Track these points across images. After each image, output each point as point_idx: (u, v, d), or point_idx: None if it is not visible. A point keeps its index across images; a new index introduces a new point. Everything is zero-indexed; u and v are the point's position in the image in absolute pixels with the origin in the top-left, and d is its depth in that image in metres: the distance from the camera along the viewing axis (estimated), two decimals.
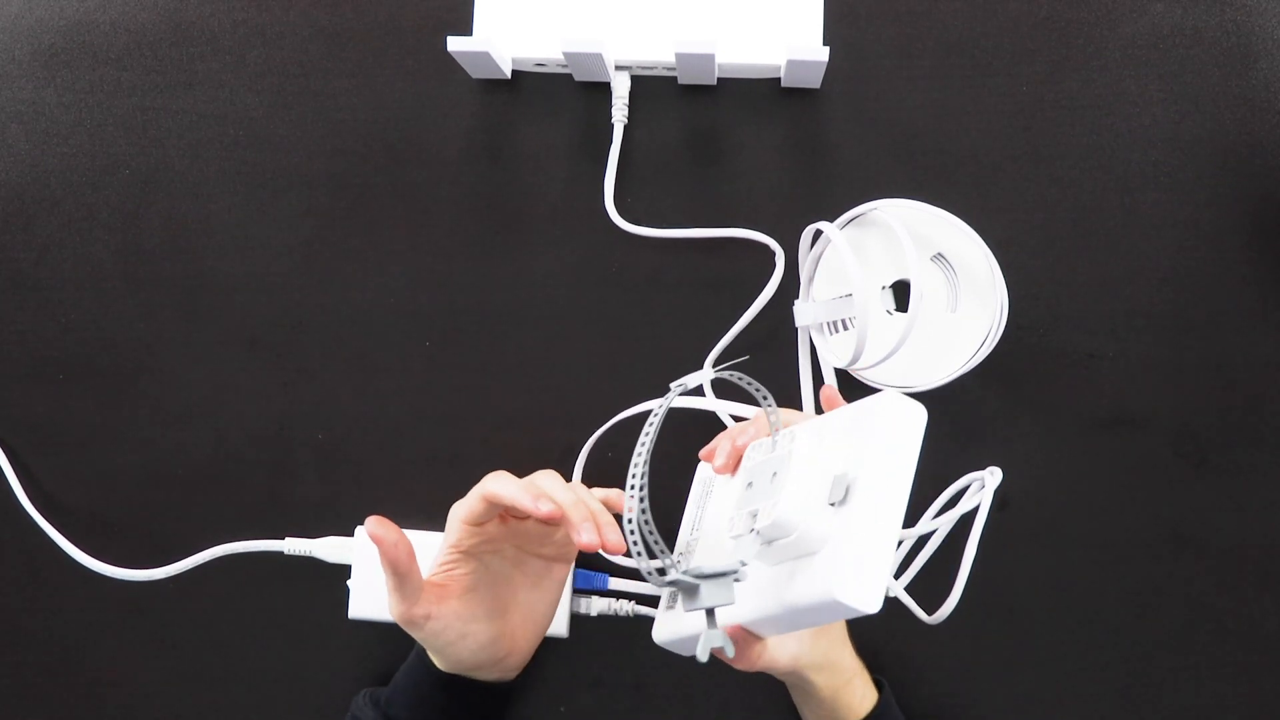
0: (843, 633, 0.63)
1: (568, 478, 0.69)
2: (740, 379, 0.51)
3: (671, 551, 0.59)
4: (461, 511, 0.56)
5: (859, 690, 0.62)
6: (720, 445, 0.57)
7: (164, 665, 0.71)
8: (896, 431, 0.49)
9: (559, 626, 0.67)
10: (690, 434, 0.65)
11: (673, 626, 0.56)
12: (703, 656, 0.49)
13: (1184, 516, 0.70)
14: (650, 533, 0.52)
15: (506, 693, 0.66)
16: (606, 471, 0.70)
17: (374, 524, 0.54)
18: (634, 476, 0.51)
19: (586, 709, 0.70)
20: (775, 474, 0.50)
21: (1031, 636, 0.70)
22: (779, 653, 0.56)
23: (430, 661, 0.62)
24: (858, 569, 0.47)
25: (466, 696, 0.63)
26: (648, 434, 0.52)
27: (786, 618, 0.50)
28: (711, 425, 0.69)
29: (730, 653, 0.50)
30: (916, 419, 0.50)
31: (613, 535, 0.52)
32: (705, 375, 0.53)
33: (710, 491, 0.60)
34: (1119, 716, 0.69)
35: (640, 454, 0.51)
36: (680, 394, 0.51)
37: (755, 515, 0.50)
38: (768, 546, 0.50)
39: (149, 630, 0.71)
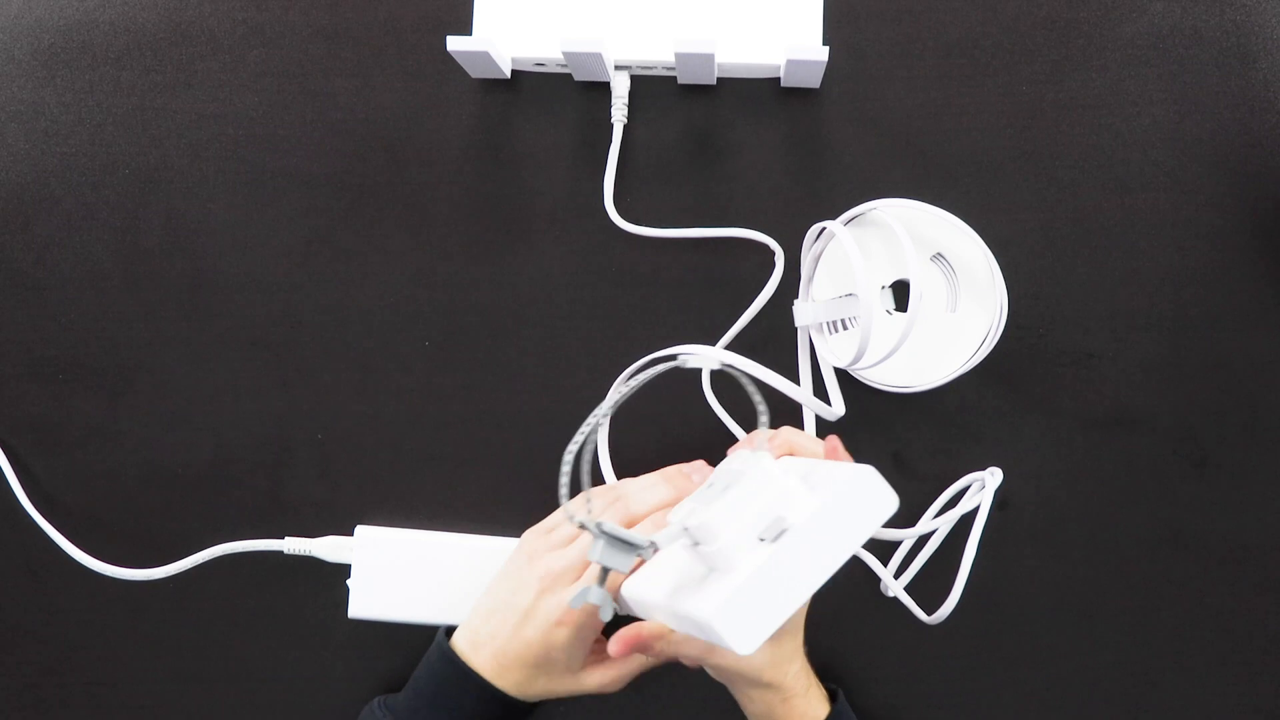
0: (787, 653, 0.59)
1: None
2: (747, 383, 0.51)
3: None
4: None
5: (800, 709, 0.60)
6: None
7: (164, 665, 0.71)
8: (858, 506, 0.48)
9: None
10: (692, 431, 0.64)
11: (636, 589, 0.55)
12: (575, 605, 0.50)
13: (1184, 516, 0.70)
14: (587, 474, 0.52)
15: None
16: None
17: (618, 646, 0.56)
18: (588, 424, 0.50)
19: (586, 709, 0.70)
20: (728, 486, 0.50)
21: (1031, 636, 0.70)
22: (687, 649, 0.57)
23: (489, 686, 0.60)
24: (747, 608, 0.46)
25: (502, 714, 0.62)
26: (622, 390, 0.50)
27: (671, 614, 0.50)
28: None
29: (605, 617, 0.50)
30: (884, 507, 0.49)
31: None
32: (714, 356, 0.51)
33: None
34: (1119, 716, 0.69)
35: (605, 404, 0.50)
36: (672, 366, 0.50)
37: (693, 512, 0.50)
38: (694, 546, 0.50)
39: (149, 630, 0.71)
